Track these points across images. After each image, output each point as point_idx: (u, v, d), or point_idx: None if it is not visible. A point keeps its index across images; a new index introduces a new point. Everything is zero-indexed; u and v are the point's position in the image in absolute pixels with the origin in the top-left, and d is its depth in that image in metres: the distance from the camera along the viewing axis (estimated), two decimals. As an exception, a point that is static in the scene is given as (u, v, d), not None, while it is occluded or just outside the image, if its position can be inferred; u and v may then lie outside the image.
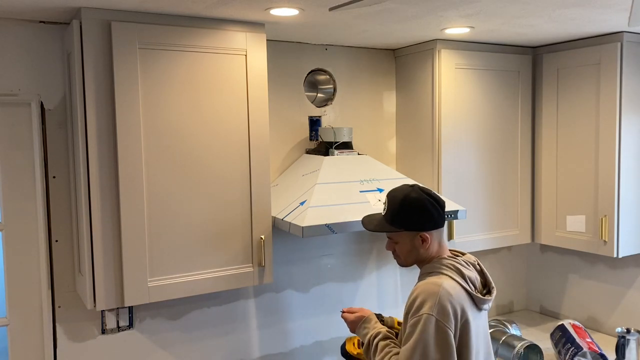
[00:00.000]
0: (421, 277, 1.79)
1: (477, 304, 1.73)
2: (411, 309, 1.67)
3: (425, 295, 1.65)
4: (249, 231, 2.17)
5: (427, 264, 1.79)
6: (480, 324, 1.75)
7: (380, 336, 1.81)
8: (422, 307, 1.64)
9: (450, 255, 1.82)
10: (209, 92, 2.07)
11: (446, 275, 1.72)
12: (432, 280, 1.70)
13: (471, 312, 1.70)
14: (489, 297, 1.76)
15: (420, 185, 1.85)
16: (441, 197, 1.86)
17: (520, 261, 3.39)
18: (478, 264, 1.84)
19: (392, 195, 1.82)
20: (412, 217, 1.77)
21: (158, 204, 2.00)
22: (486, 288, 1.81)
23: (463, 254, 1.86)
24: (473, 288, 1.74)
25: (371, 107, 2.83)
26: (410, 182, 2.46)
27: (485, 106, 2.74)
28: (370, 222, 1.88)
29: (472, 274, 1.76)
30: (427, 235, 1.78)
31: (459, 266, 1.74)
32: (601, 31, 2.50)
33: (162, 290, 2.02)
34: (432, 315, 1.62)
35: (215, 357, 2.52)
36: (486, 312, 1.81)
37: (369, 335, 1.84)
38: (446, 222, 2.59)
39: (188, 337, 2.45)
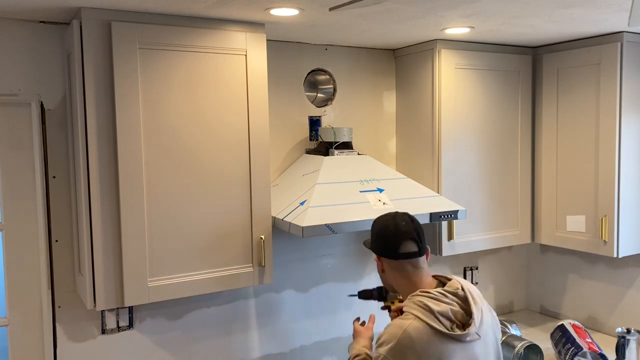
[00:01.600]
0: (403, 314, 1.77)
1: (459, 338, 1.65)
2: (376, 343, 1.71)
3: (387, 336, 1.68)
4: (249, 231, 2.17)
5: (404, 302, 1.77)
6: (469, 354, 1.68)
7: (359, 357, 1.88)
8: (382, 346, 1.66)
9: (425, 290, 1.74)
10: (209, 92, 2.07)
11: (413, 315, 1.67)
12: (397, 322, 1.69)
13: (448, 348, 1.63)
14: (463, 332, 1.65)
15: (410, 216, 1.85)
16: (416, 233, 1.81)
17: (520, 261, 3.39)
18: (463, 289, 1.74)
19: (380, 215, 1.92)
20: (372, 237, 1.87)
21: (158, 204, 2.00)
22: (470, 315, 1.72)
23: (449, 279, 1.80)
24: (448, 324, 1.65)
25: (371, 107, 2.83)
26: (412, 183, 2.47)
27: (485, 106, 2.74)
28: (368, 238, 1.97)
29: (446, 308, 1.67)
30: (378, 261, 1.85)
31: (430, 303, 1.68)
32: (601, 31, 2.50)
33: (162, 290, 2.02)
34: (387, 357, 1.64)
35: (215, 357, 2.52)
36: (482, 339, 1.70)
37: (351, 354, 1.91)
38: (445, 222, 2.61)
39: (188, 337, 2.45)
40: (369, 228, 2.15)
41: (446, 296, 1.71)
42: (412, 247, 1.78)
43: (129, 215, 1.95)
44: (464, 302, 1.72)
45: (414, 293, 1.75)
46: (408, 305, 1.73)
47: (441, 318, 1.66)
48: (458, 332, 1.65)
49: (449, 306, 1.68)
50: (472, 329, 1.66)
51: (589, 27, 2.41)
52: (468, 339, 1.66)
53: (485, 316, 1.75)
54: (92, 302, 1.95)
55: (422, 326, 1.65)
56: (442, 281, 1.82)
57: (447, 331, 1.64)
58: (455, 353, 1.65)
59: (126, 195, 1.94)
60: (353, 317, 2.83)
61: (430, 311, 1.66)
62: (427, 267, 1.84)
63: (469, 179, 2.72)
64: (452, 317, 1.68)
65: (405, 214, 1.86)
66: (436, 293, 1.72)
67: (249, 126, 2.14)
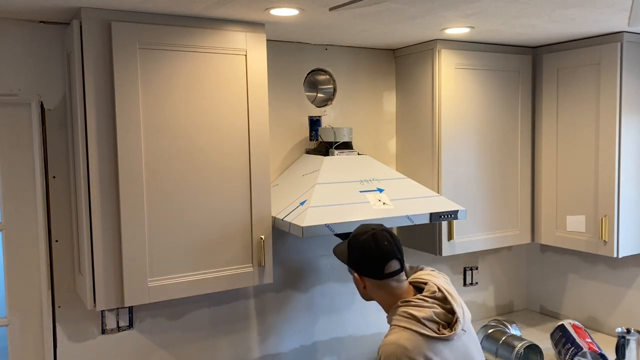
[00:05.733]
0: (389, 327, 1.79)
1: (448, 339, 1.71)
2: None
3: (385, 356, 1.70)
4: (249, 231, 2.17)
5: (388, 314, 1.81)
6: (461, 349, 1.73)
7: None
8: None
9: (405, 300, 1.78)
10: (209, 93, 2.07)
11: (401, 327, 1.71)
12: (389, 339, 1.72)
13: (440, 349, 1.68)
14: (450, 334, 1.70)
15: (388, 231, 1.84)
16: (398, 250, 1.82)
17: (520, 261, 3.39)
18: (440, 289, 1.78)
19: (355, 230, 1.90)
20: (352, 256, 1.86)
21: (158, 204, 2.00)
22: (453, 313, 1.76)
23: (424, 282, 1.83)
24: (434, 326, 1.71)
25: (371, 107, 2.83)
26: (412, 183, 2.47)
27: (485, 106, 2.74)
28: (338, 247, 1.97)
29: (428, 312, 1.72)
30: (360, 280, 1.86)
31: (413, 311, 1.72)
32: (601, 31, 2.50)
33: (162, 290, 2.02)
34: None
35: (215, 357, 2.52)
36: (465, 332, 1.76)
37: None
38: (445, 222, 2.61)
39: (188, 337, 2.45)
40: (369, 228, 2.17)
41: (426, 301, 1.77)
42: (395, 266, 1.81)
43: (129, 215, 1.95)
44: (444, 301, 1.78)
45: (395, 305, 1.79)
46: (393, 318, 1.77)
47: (427, 323, 1.71)
48: (446, 333, 1.71)
49: (431, 309, 1.74)
50: (458, 328, 1.72)
51: (589, 27, 2.41)
52: (455, 337, 1.73)
53: (465, 310, 1.81)
54: (92, 302, 1.95)
55: (411, 335, 1.69)
56: (418, 287, 1.86)
57: (435, 335, 1.70)
58: (449, 351, 1.71)
59: (126, 195, 1.94)
60: (353, 316, 2.83)
61: (415, 319, 1.71)
62: (405, 277, 1.87)
63: (469, 179, 2.72)
64: (436, 319, 1.73)
65: (384, 230, 1.85)
66: (417, 300, 1.77)
67: (249, 126, 2.14)
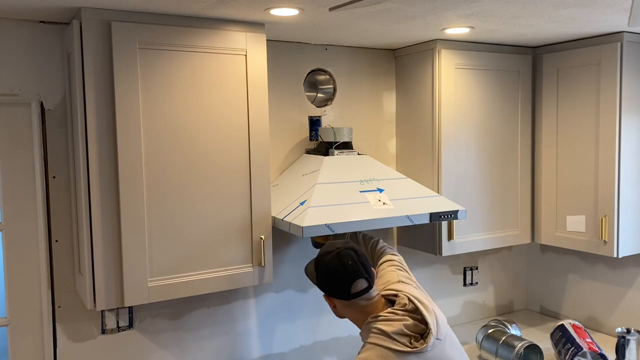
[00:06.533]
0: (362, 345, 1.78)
1: (421, 351, 1.66)
2: None
3: None
4: (249, 231, 2.17)
5: (361, 331, 1.79)
6: (440, 358, 1.69)
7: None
8: None
9: (375, 315, 1.75)
10: (209, 93, 2.07)
11: (372, 344, 1.69)
12: (360, 357, 1.69)
13: None
14: (423, 346, 1.65)
15: (354, 249, 1.82)
16: (364, 268, 1.79)
17: (520, 261, 3.39)
18: (411, 300, 1.75)
19: (321, 249, 1.89)
20: (319, 277, 1.84)
21: (158, 203, 2.00)
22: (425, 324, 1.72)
23: (396, 295, 1.80)
24: (405, 340, 1.67)
25: (371, 107, 2.83)
26: (412, 183, 2.47)
27: (485, 106, 2.74)
28: (308, 266, 1.94)
29: (398, 325, 1.69)
30: (328, 300, 1.85)
31: (382, 326, 1.69)
32: (601, 31, 2.50)
33: (162, 290, 2.02)
34: None
35: (215, 357, 2.52)
36: (441, 340, 1.71)
37: None
38: (445, 222, 2.61)
39: (188, 337, 2.45)
40: (369, 228, 2.17)
41: (396, 314, 1.73)
42: (362, 285, 1.78)
43: (129, 215, 1.95)
44: (415, 312, 1.73)
45: (366, 321, 1.76)
46: (364, 335, 1.75)
47: (397, 337, 1.67)
48: (419, 346, 1.66)
49: (401, 322, 1.70)
50: (430, 340, 1.67)
51: (589, 27, 2.41)
52: (429, 349, 1.67)
53: (439, 317, 1.76)
54: (92, 302, 1.95)
55: (382, 352, 1.66)
56: (390, 299, 1.82)
57: (407, 349, 1.65)
58: None
59: (126, 195, 1.94)
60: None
61: (385, 334, 1.68)
62: (377, 291, 1.83)
63: (469, 179, 2.72)
64: (408, 332, 1.69)
65: (349, 249, 1.82)
66: (386, 314, 1.73)
67: (249, 126, 2.14)
